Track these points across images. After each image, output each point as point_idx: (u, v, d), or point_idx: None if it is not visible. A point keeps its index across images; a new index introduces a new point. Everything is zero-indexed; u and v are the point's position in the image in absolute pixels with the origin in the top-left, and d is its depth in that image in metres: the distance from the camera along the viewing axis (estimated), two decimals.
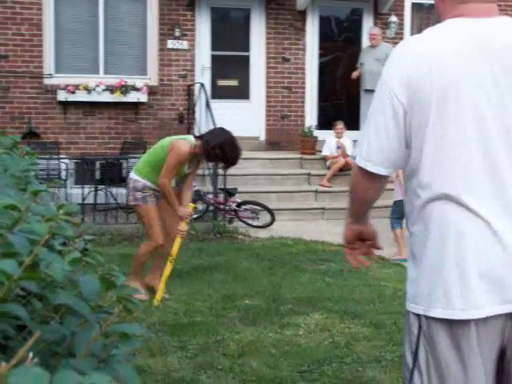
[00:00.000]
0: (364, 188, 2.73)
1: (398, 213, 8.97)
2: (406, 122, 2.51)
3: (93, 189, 11.92)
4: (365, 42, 14.52)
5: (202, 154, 7.04)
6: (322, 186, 12.69)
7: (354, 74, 13.82)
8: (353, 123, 14.28)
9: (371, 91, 13.61)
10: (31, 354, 0.84)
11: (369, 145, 2.60)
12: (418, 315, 2.57)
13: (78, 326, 1.01)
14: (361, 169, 2.64)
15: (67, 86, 12.70)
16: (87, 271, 1.17)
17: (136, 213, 7.42)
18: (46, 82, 12.88)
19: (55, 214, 1.15)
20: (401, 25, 14.52)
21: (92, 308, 1.06)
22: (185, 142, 6.92)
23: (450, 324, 2.49)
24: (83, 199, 10.68)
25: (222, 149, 6.99)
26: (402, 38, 14.42)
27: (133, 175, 7.10)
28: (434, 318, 2.51)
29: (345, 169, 12.95)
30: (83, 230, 1.64)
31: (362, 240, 3.05)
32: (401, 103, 2.51)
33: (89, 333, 0.97)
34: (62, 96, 12.74)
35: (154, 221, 7.06)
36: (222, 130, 7.36)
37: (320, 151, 13.35)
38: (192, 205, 7.04)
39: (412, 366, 2.68)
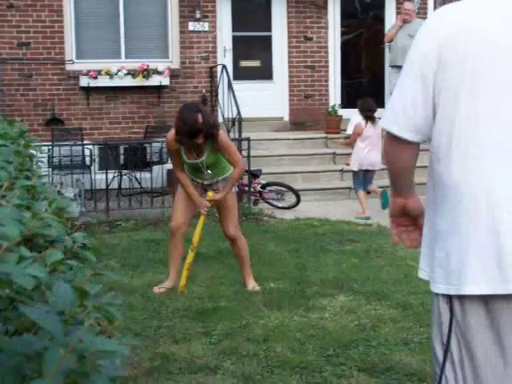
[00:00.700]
0: (394, 155, 2.66)
1: (359, 178, 10.56)
2: (435, 88, 2.42)
3: (117, 174, 11.90)
4: (388, 17, 14.33)
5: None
6: (348, 165, 12.56)
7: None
8: (377, 101, 14.09)
9: (400, 68, 13.44)
10: None
11: (395, 110, 2.53)
12: (450, 298, 2.47)
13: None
14: (389, 136, 2.57)
15: (89, 71, 12.66)
16: (64, 277, 1.09)
17: None
18: (68, 68, 12.84)
19: (37, 213, 1.08)
20: (424, 0, 14.29)
21: (65, 321, 0.99)
22: (172, 130, 6.60)
23: (486, 301, 2.40)
24: (107, 184, 10.64)
25: (175, 124, 6.52)
26: (425, 14, 14.22)
27: None
28: (468, 298, 2.42)
29: None
30: (77, 225, 1.56)
31: (409, 216, 2.88)
32: (431, 66, 2.42)
33: (57, 350, 0.90)
34: (84, 82, 12.70)
35: (175, 204, 6.97)
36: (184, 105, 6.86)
37: (345, 130, 13.20)
38: (210, 193, 6.83)
39: (443, 359, 2.57)
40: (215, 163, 6.74)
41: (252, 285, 6.84)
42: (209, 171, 6.75)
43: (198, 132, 6.30)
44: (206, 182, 6.83)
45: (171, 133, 6.57)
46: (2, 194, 1.49)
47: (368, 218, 10.15)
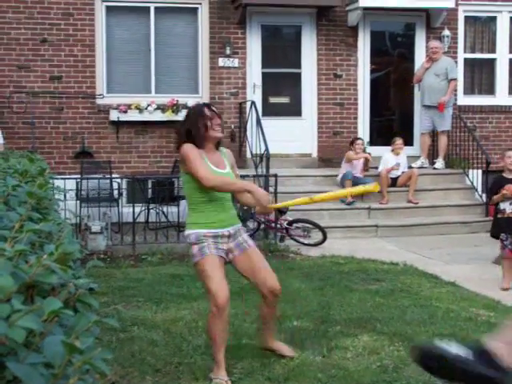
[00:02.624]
0: None
1: None
2: None
3: (144, 207, 11.96)
4: (418, 55, 14.34)
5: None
6: (380, 203, 12.55)
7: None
8: (406, 139, 14.10)
9: (429, 107, 13.46)
10: None
11: None
12: None
13: None
14: None
15: (119, 105, 12.80)
16: (61, 327, 1.09)
17: (260, 255, 5.82)
18: (99, 101, 12.98)
19: (39, 259, 1.09)
20: (454, 38, 14.30)
21: (54, 375, 0.98)
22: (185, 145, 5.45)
23: None
24: (134, 218, 10.69)
25: (183, 122, 5.61)
26: (455, 52, 14.24)
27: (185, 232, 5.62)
28: None
29: (401, 184, 12.83)
30: (80, 274, 1.57)
31: None
32: None
33: None
34: (114, 115, 12.83)
35: (212, 273, 5.41)
36: None
37: (376, 167, 13.19)
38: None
39: None
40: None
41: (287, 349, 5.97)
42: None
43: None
44: (231, 230, 5.57)
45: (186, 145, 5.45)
46: (12, 236, 1.50)
47: None
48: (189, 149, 5.35)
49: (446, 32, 14.11)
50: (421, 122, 13.92)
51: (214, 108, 5.56)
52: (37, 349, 1.05)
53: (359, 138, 13.25)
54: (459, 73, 14.03)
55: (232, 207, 5.66)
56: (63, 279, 1.28)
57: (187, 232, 5.50)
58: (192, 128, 5.44)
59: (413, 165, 13.41)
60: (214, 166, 5.43)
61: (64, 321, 1.20)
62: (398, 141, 13.13)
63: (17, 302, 0.99)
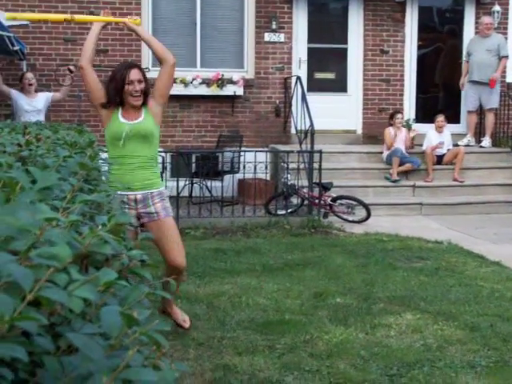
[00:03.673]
0: None
1: None
2: None
3: (188, 182, 11.98)
4: (467, 32, 14.13)
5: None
6: (425, 181, 12.43)
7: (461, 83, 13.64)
8: (453, 116, 13.93)
9: (479, 83, 13.27)
10: None
11: None
12: None
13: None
14: None
15: None
16: (116, 298, 1.09)
17: (170, 228, 5.52)
18: None
19: (93, 230, 1.08)
20: (504, 14, 14.05)
21: (111, 346, 0.97)
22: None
23: None
24: (178, 192, 10.72)
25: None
26: (505, 28, 14.00)
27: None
28: None
29: (447, 162, 12.71)
30: (134, 244, 1.56)
31: None
32: None
33: (100, 377, 0.88)
34: None
35: None
36: None
37: (420, 145, 13.06)
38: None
39: None
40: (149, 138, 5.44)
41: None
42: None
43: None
44: (138, 195, 5.37)
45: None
46: (64, 207, 1.50)
47: None
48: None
49: (497, 7, 13.87)
50: (467, 99, 13.71)
51: (140, 71, 5.38)
52: (91, 319, 1.05)
53: (398, 112, 13.09)
54: (509, 49, 13.79)
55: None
56: (116, 250, 1.28)
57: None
58: (109, 87, 5.41)
59: (459, 143, 13.26)
60: (124, 119, 5.37)
61: (118, 292, 1.19)
62: (440, 118, 12.98)
63: (74, 272, 0.99)
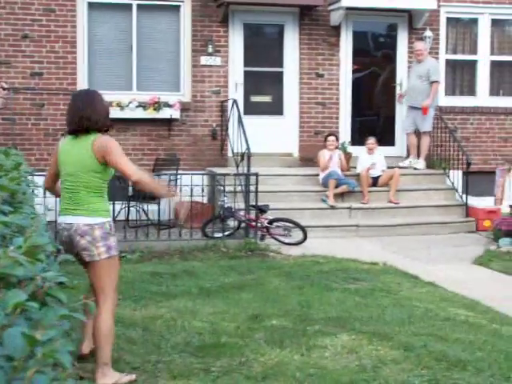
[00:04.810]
0: None
1: None
2: None
3: (125, 205, 11.89)
4: (399, 56, 14.38)
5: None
6: (361, 203, 12.54)
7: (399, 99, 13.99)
8: (387, 139, 14.14)
9: (413, 108, 13.51)
10: None
11: None
12: None
13: None
14: None
15: None
16: (22, 322, 1.06)
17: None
18: None
19: (5, 252, 1.06)
20: (436, 39, 14.34)
21: (15, 367, 0.95)
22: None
23: None
24: (115, 216, 10.62)
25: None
26: (436, 53, 14.28)
27: (89, 220, 5.16)
28: None
29: (382, 184, 12.85)
30: (54, 268, 1.54)
31: None
32: None
33: None
34: None
35: (118, 273, 5.49)
36: None
37: (355, 167, 13.21)
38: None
39: None
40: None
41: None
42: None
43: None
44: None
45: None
46: None
47: None
48: (115, 142, 5.28)
49: (428, 33, 14.14)
50: (404, 122, 13.98)
51: None
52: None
53: (331, 134, 13.22)
54: (441, 74, 14.06)
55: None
56: (31, 272, 1.26)
57: (101, 220, 5.14)
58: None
59: (400, 164, 13.48)
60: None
61: (32, 314, 1.17)
62: (370, 140, 13.18)
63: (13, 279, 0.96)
